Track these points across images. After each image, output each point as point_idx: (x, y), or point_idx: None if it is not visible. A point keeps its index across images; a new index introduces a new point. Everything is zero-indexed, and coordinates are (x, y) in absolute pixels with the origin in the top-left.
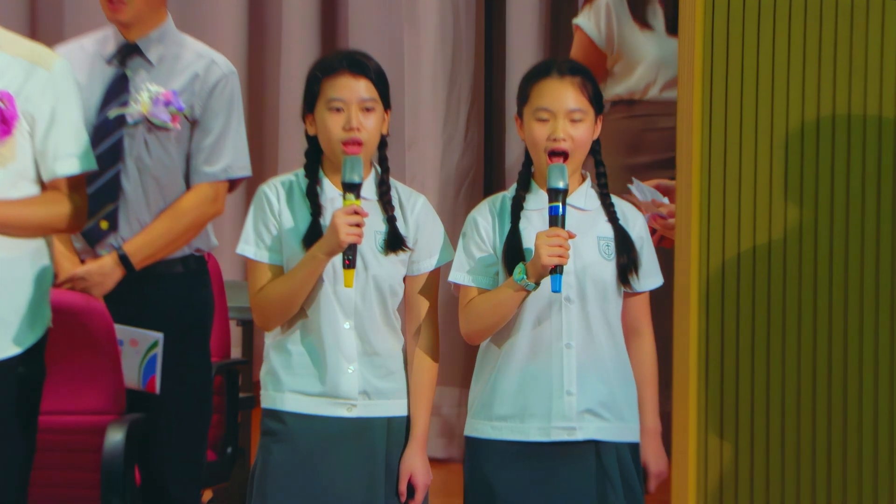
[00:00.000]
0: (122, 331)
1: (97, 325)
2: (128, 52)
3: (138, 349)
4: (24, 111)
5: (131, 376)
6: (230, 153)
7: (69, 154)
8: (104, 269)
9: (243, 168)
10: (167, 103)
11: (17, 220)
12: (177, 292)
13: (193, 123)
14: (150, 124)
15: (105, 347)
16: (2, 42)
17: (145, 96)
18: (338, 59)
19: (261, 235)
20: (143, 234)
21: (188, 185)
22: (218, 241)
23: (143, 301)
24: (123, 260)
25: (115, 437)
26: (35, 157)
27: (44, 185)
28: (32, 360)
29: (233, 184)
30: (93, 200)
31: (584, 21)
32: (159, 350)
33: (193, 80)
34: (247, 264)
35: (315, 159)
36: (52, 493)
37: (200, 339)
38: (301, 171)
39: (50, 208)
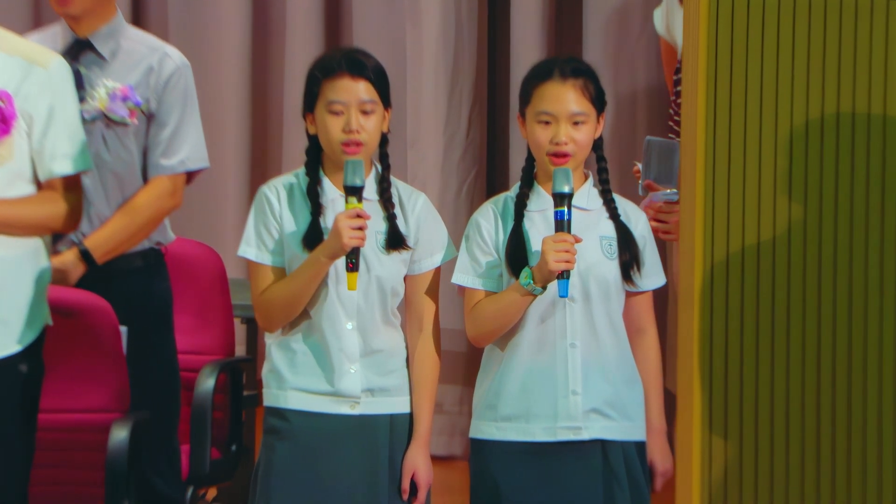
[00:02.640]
0: None
1: (101, 324)
2: (79, 48)
3: None
4: (21, 110)
5: None
6: (187, 146)
7: (66, 154)
8: (66, 265)
9: (201, 160)
10: (125, 98)
11: (13, 220)
12: (139, 286)
13: (149, 117)
14: (108, 120)
15: (109, 346)
16: None
17: (102, 92)
18: (337, 60)
19: (262, 237)
20: (104, 229)
21: (146, 179)
22: (221, 241)
23: (105, 296)
24: (85, 255)
25: (119, 435)
26: (32, 156)
27: (40, 185)
28: (31, 358)
29: (190, 176)
30: None
31: (656, 17)
32: (123, 342)
33: (148, 74)
34: (249, 266)
35: (316, 158)
36: (56, 492)
37: (165, 331)
38: (301, 171)
39: (46, 208)
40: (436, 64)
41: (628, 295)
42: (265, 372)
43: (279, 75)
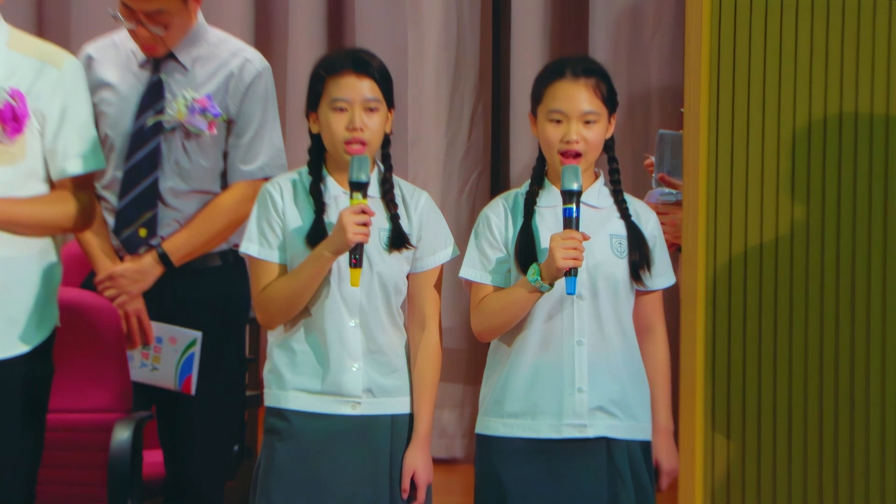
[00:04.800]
0: (161, 328)
1: (105, 324)
2: (162, 58)
3: (176, 347)
4: (34, 110)
5: (167, 376)
6: (267, 151)
7: (78, 153)
8: (143, 267)
9: (280, 167)
10: (203, 110)
11: (24, 219)
12: (215, 286)
13: (229, 122)
14: (187, 131)
15: (112, 346)
16: (12, 41)
17: (181, 104)
18: (342, 59)
19: (264, 234)
20: (183, 232)
21: (225, 182)
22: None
23: (181, 295)
24: (163, 258)
25: (122, 434)
26: (45, 155)
27: (52, 184)
28: (40, 358)
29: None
30: (131, 209)
31: None
32: (197, 349)
33: (228, 80)
34: (250, 263)
35: (319, 157)
36: (59, 491)
37: (237, 334)
38: (304, 169)
39: (56, 207)
40: (437, 64)
41: (638, 294)
42: (266, 372)
43: (282, 75)
